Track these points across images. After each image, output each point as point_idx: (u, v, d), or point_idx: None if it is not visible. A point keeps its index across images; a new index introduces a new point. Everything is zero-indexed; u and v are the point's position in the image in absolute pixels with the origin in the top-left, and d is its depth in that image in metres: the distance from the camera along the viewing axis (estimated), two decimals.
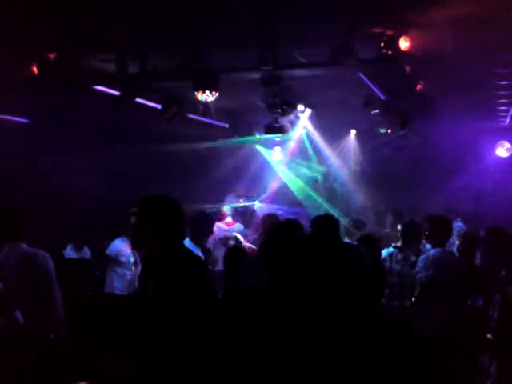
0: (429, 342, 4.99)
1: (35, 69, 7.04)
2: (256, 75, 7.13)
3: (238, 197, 11.23)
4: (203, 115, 9.58)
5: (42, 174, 8.93)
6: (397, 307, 5.49)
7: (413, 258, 5.62)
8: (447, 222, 5.68)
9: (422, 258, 5.37)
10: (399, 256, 5.73)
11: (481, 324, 4.91)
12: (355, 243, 5.80)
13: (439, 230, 5.50)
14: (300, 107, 9.53)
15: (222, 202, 10.39)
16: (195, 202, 10.05)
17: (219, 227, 8.40)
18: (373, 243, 5.72)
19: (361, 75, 7.33)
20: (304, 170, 13.50)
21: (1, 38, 6.11)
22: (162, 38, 6.45)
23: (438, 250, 5.34)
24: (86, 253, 8.09)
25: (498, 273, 5.29)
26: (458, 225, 7.77)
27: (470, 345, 4.91)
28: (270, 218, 7.22)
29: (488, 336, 4.62)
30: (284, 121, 9.55)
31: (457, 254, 5.83)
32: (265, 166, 13.68)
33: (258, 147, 13.61)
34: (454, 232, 6.84)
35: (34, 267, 4.40)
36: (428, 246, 5.92)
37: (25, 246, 4.50)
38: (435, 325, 5.05)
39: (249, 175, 12.77)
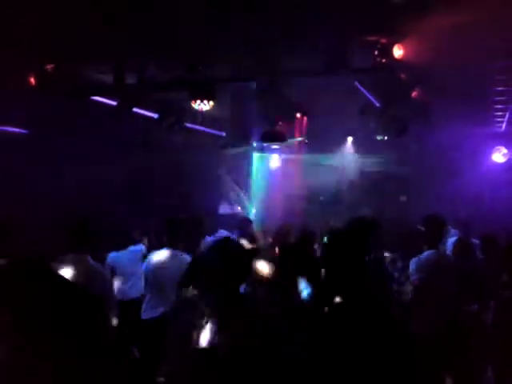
0: (422, 344, 4.99)
1: (33, 80, 7.08)
2: (253, 84, 7.19)
3: (232, 204, 11.28)
4: (201, 124, 9.63)
5: (41, 184, 8.94)
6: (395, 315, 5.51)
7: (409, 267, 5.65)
8: (441, 222, 5.59)
9: (413, 260, 5.30)
10: (399, 264, 5.75)
11: (476, 328, 4.92)
12: None
13: (433, 230, 5.43)
14: (296, 115, 9.58)
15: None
16: (192, 210, 10.10)
17: None
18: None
19: (356, 83, 7.38)
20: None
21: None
22: (159, 48, 6.49)
23: (430, 252, 5.27)
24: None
25: (495, 278, 5.31)
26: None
27: (465, 349, 4.92)
28: (286, 228, 7.02)
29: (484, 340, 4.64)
30: (281, 129, 9.60)
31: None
32: (260, 173, 13.75)
33: (255, 155, 13.69)
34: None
35: (99, 281, 4.27)
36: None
37: (89, 258, 4.40)
38: (428, 327, 5.04)
39: (244, 182, 12.83)
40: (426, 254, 5.27)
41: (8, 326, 1.82)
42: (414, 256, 5.79)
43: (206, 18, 5.68)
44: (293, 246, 5.30)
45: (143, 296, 5.63)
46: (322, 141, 12.23)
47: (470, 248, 6.01)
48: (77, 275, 4.10)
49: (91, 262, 4.42)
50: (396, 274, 5.69)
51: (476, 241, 6.74)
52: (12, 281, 1.62)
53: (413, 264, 5.27)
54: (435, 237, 5.39)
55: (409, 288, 5.47)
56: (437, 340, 4.80)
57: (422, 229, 5.64)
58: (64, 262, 4.30)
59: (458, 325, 4.97)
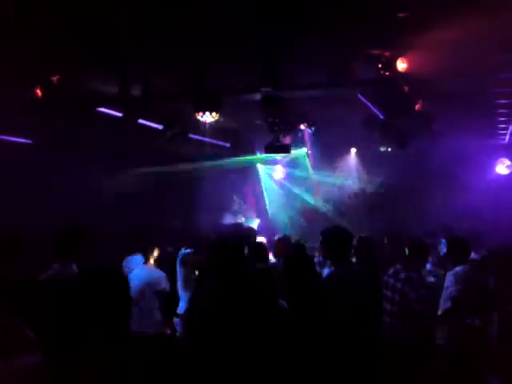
0: (446, 354, 5.04)
1: (39, 91, 7.14)
2: (257, 96, 7.24)
3: (236, 215, 11.29)
4: (204, 135, 9.67)
5: (43, 194, 8.98)
6: (397, 326, 5.52)
7: (414, 279, 5.64)
8: (465, 243, 5.84)
9: (450, 273, 5.49)
10: (402, 275, 5.74)
11: (482, 342, 4.91)
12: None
13: (458, 251, 5.71)
14: (300, 126, 9.61)
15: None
16: (195, 222, 10.14)
17: None
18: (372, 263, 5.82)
19: (359, 96, 7.42)
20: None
21: (5, 62, 6.20)
22: (164, 60, 6.54)
23: (463, 266, 5.49)
24: None
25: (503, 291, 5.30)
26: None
27: (475, 362, 4.91)
28: (284, 241, 7.14)
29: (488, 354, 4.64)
30: (285, 140, 9.62)
31: None
32: (264, 184, 13.77)
33: (259, 166, 13.73)
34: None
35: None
36: (429, 266, 6.07)
37: (75, 267, 4.47)
38: (452, 337, 5.11)
39: (247, 193, 12.84)
40: (460, 267, 5.48)
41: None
42: (416, 268, 5.82)
43: (210, 29, 5.73)
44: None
45: None
46: (326, 152, 12.26)
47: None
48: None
49: (75, 269, 4.45)
50: (399, 285, 5.68)
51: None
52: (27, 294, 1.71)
53: (450, 276, 5.46)
54: (460, 257, 5.65)
55: (409, 301, 5.51)
56: (457, 351, 4.87)
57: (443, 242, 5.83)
58: (51, 271, 4.41)
59: (470, 340, 4.97)
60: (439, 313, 5.39)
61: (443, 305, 5.34)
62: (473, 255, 6.47)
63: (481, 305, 5.18)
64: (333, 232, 5.13)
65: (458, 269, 5.46)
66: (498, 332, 4.86)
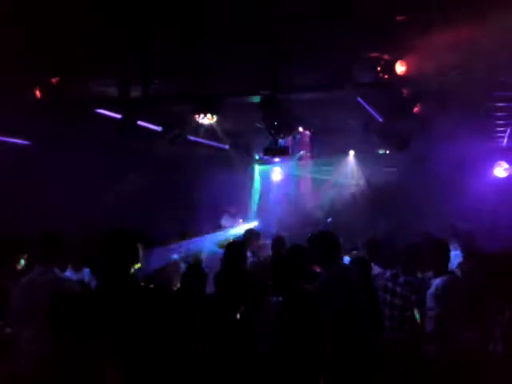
0: (440, 366, 4.92)
1: (38, 92, 7.13)
2: (256, 98, 7.25)
3: (233, 217, 11.29)
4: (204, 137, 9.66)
5: (41, 195, 8.97)
6: (397, 328, 5.52)
7: (414, 282, 5.62)
8: (446, 245, 5.41)
9: (430, 292, 5.10)
10: (401, 279, 5.72)
11: (478, 354, 4.83)
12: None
13: (440, 255, 5.27)
14: (299, 129, 9.62)
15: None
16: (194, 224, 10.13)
17: None
18: (365, 264, 5.82)
19: (358, 99, 7.43)
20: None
21: (5, 63, 6.20)
22: (164, 63, 6.55)
23: (442, 278, 5.07)
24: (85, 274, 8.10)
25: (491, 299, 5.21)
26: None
27: (471, 374, 4.82)
28: (278, 241, 7.26)
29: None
30: (283, 142, 9.63)
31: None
32: (263, 186, 13.78)
33: (257, 167, 13.73)
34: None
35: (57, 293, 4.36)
36: None
37: (56, 270, 4.53)
38: (446, 350, 4.94)
39: (245, 195, 12.84)
40: (439, 281, 5.06)
41: None
42: (415, 271, 5.79)
43: (210, 32, 5.74)
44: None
45: None
46: (324, 154, 12.26)
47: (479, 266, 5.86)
48: (42, 285, 4.26)
49: (56, 272, 4.51)
50: (398, 289, 5.68)
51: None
52: None
53: (430, 295, 5.06)
54: (443, 261, 5.25)
55: (411, 305, 5.49)
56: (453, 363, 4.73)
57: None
58: (32, 274, 4.47)
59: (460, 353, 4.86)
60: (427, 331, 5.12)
61: (428, 325, 5.07)
62: (458, 253, 6.28)
63: (472, 315, 5.01)
64: (320, 237, 5.21)
65: (437, 282, 5.03)
66: (503, 348, 4.76)
